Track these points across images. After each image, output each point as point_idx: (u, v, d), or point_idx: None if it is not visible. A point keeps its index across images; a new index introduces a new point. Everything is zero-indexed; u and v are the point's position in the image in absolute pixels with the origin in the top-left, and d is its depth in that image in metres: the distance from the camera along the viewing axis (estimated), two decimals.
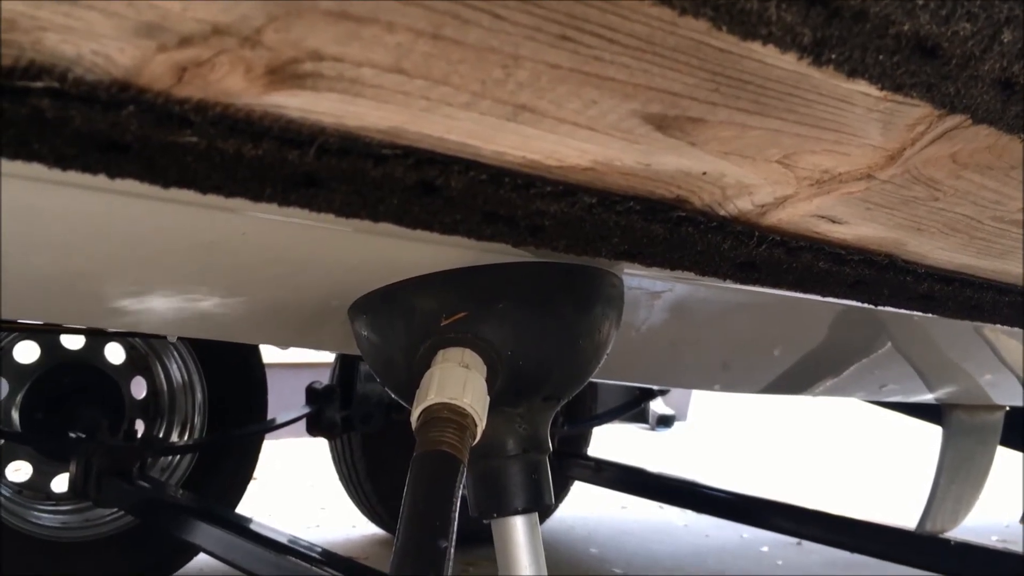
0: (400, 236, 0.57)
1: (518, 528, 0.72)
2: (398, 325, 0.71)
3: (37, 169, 0.43)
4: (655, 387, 3.43)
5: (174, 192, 0.46)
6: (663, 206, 0.56)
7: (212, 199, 0.47)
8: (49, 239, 0.62)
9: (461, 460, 0.60)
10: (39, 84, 0.38)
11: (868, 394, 2.12)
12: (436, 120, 0.44)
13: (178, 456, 2.57)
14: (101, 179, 0.44)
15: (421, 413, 0.63)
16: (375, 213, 0.50)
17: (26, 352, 2.42)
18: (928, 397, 2.15)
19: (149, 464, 2.45)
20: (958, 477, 2.30)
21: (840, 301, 0.72)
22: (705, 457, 6.12)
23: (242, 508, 2.66)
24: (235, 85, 0.40)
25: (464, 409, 0.62)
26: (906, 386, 1.97)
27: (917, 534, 2.27)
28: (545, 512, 3.04)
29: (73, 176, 0.44)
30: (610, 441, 5.82)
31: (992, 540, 3.67)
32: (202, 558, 2.59)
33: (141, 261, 0.67)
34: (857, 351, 1.55)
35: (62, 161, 0.42)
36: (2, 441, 2.39)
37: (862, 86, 0.44)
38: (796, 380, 1.68)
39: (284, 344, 1.06)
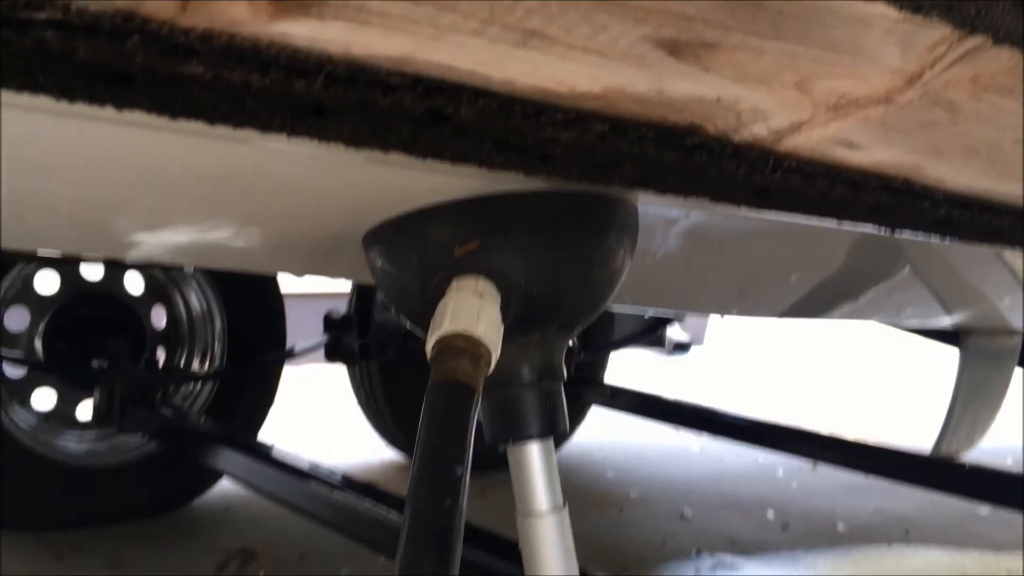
0: (413, 166, 0.56)
1: (533, 454, 0.73)
2: (411, 255, 0.71)
3: (44, 101, 0.43)
4: (671, 313, 3.43)
5: (183, 123, 0.46)
6: (676, 133, 0.55)
7: (222, 130, 0.46)
8: (61, 170, 0.62)
9: (475, 389, 0.60)
10: (42, 15, 0.37)
11: (886, 317, 2.12)
12: (444, 48, 0.44)
13: (199, 384, 2.61)
14: (109, 111, 0.44)
15: (435, 343, 0.63)
16: (385, 143, 0.49)
17: (46, 283, 2.44)
18: (946, 321, 2.14)
19: (171, 392, 2.49)
20: (974, 401, 2.31)
21: (857, 226, 0.71)
22: (721, 382, 6.16)
23: (263, 435, 2.71)
24: (241, 14, 0.40)
25: (478, 338, 0.62)
26: (924, 310, 1.96)
27: (931, 457, 2.29)
28: (560, 438, 3.08)
29: (81, 108, 0.44)
30: (627, 367, 5.86)
31: (1007, 463, 3.70)
32: (225, 483, 2.65)
33: (152, 193, 0.67)
34: (875, 275, 1.55)
35: (68, 93, 0.42)
36: (26, 370, 2.43)
37: (880, 7, 0.43)
38: (814, 304, 1.67)
39: (300, 273, 1.06)
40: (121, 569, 2.16)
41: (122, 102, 0.43)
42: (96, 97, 0.42)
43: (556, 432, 0.75)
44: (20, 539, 2.34)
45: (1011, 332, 2.27)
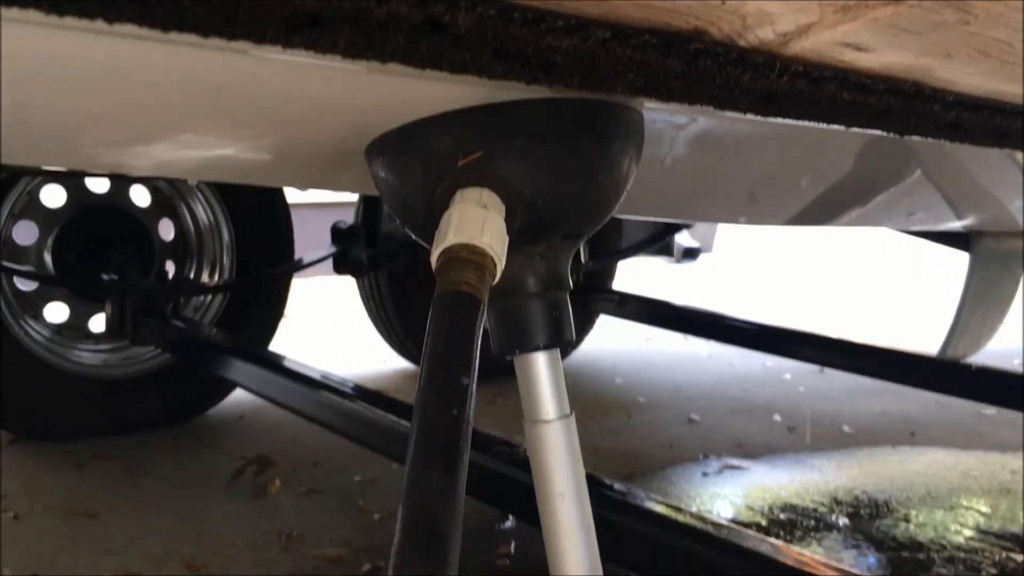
0: (414, 75, 0.55)
1: (540, 364, 0.74)
2: (415, 166, 0.71)
3: (38, 15, 0.42)
4: (679, 221, 3.42)
5: (178, 35, 0.45)
6: (680, 38, 0.54)
7: (217, 41, 0.46)
8: (61, 84, 0.61)
9: (481, 300, 0.60)
10: None
11: (896, 223, 2.11)
12: None
13: (210, 296, 2.63)
14: (101, 23, 0.43)
15: (440, 254, 0.63)
16: (382, 53, 0.48)
17: (53, 196, 2.44)
18: (956, 225, 2.13)
19: (182, 304, 2.51)
20: (982, 303, 2.31)
21: (866, 131, 0.70)
22: (730, 289, 6.17)
23: (274, 346, 2.73)
24: None
25: (483, 249, 0.62)
26: (934, 214, 1.95)
27: (938, 360, 2.30)
28: (567, 348, 3.10)
29: (74, 20, 0.43)
30: (635, 275, 5.87)
31: (1014, 364, 3.73)
32: (239, 393, 2.69)
33: (152, 106, 0.66)
34: (885, 180, 1.53)
35: (57, 7, 0.41)
36: (37, 284, 2.45)
37: None
38: (824, 210, 1.66)
39: (303, 186, 1.05)
40: (140, 477, 2.21)
41: (113, 15, 0.42)
42: (87, 10, 0.41)
43: (562, 342, 0.75)
44: (41, 449, 2.39)
45: (1021, 234, 2.25)
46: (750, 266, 7.61)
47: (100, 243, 2.49)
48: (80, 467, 2.27)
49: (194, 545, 1.81)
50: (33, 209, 2.41)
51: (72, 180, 2.44)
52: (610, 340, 3.96)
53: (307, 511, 2.01)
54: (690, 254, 7.64)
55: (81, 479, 2.19)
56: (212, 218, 2.63)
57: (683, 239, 7.58)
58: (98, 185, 2.50)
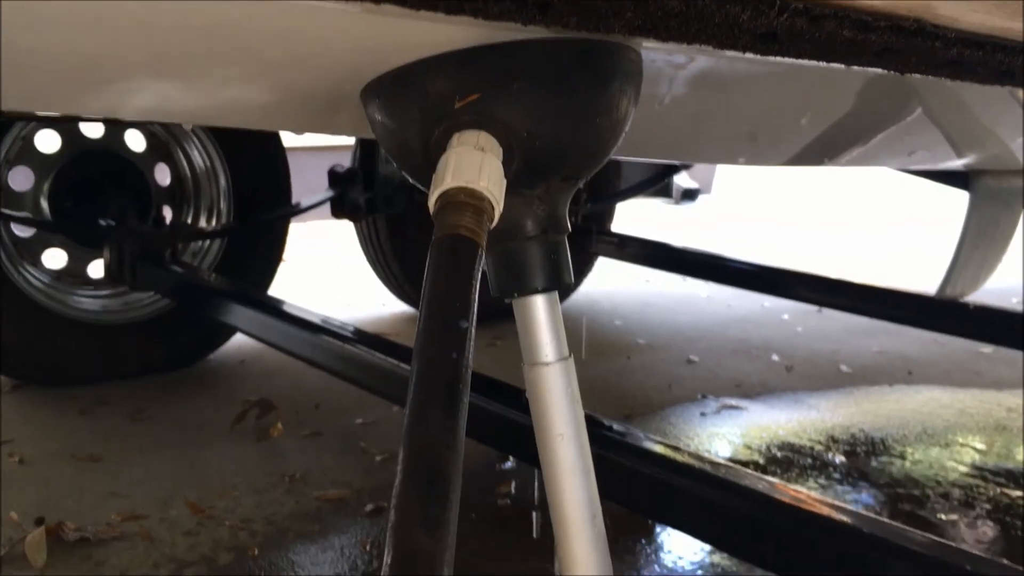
0: (409, 16, 0.54)
1: (538, 307, 0.74)
2: (411, 109, 0.70)
3: None
4: (678, 162, 3.40)
5: None
6: None
7: None
8: (54, 27, 0.60)
9: (479, 244, 0.60)
10: None
11: (896, 162, 2.09)
12: None
13: (207, 241, 2.62)
14: None
15: (438, 198, 0.62)
16: None
17: (47, 142, 2.43)
18: (956, 163, 2.11)
19: (180, 250, 2.51)
20: (981, 242, 2.31)
21: (866, 70, 0.69)
22: (729, 230, 6.16)
23: (273, 290, 2.74)
24: None
25: (481, 193, 0.61)
26: (934, 153, 1.93)
27: (936, 299, 2.31)
28: (565, 290, 3.10)
29: None
30: (634, 216, 5.86)
31: (1012, 302, 3.74)
32: (240, 338, 2.70)
33: (143, 46, 0.65)
34: (886, 118, 1.52)
35: None
36: (35, 230, 2.44)
37: None
38: (823, 149, 1.65)
39: (299, 130, 1.05)
40: (143, 421, 2.23)
41: None
42: None
43: (561, 285, 0.75)
44: (44, 395, 2.41)
45: (1021, 172, 2.24)
46: (750, 206, 7.59)
47: (96, 189, 2.48)
48: (83, 412, 2.29)
49: (199, 487, 1.84)
50: (28, 155, 2.40)
51: (66, 125, 2.43)
52: (609, 282, 3.97)
53: (309, 453, 2.03)
54: (689, 195, 7.62)
55: (85, 424, 2.21)
56: (208, 163, 2.61)
57: (682, 180, 7.55)
58: (92, 130, 2.48)
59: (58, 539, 1.60)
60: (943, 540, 0.81)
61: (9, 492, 1.79)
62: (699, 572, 1.55)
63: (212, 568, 1.53)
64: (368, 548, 1.60)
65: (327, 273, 4.24)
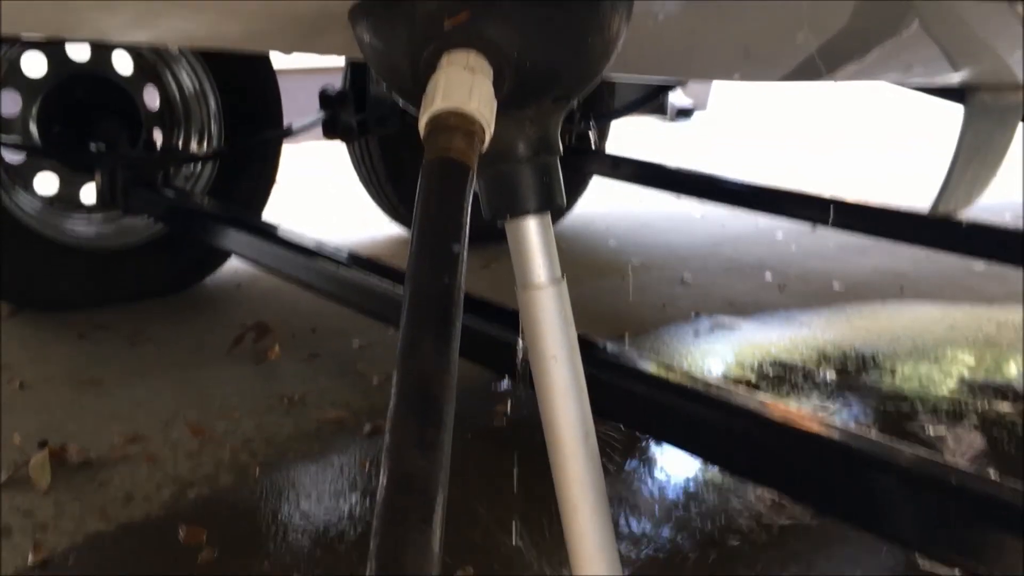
0: None
1: (531, 229, 0.74)
2: (399, 29, 0.69)
3: None
4: (672, 80, 3.36)
5: None
6: None
7: None
8: None
9: (470, 166, 0.60)
10: None
11: (893, 77, 2.07)
12: None
13: (199, 165, 2.61)
14: None
15: (428, 121, 0.62)
16: None
17: (34, 65, 2.39)
18: (953, 78, 2.09)
19: (172, 174, 2.50)
20: (976, 158, 2.30)
21: None
22: (724, 148, 6.12)
23: (267, 214, 2.73)
24: None
25: (471, 115, 0.61)
26: (932, 68, 1.91)
27: (929, 216, 2.31)
28: (557, 212, 3.10)
29: None
30: (628, 135, 5.81)
31: (1005, 217, 3.74)
32: (235, 262, 2.70)
33: None
34: (883, 32, 1.50)
35: None
36: (25, 155, 2.42)
37: None
38: (820, 65, 1.63)
39: (286, 50, 1.03)
40: (142, 345, 2.25)
41: None
42: None
43: (553, 206, 0.75)
44: (42, 320, 2.42)
45: (1018, 87, 2.22)
46: (745, 124, 7.53)
47: (85, 113, 2.45)
48: (82, 337, 2.30)
49: (199, 410, 1.86)
50: (14, 78, 2.36)
51: (52, 48, 2.39)
52: (604, 202, 3.96)
53: (307, 376, 2.05)
54: (684, 113, 7.55)
55: (83, 348, 2.23)
56: (197, 85, 2.58)
57: (677, 98, 7.48)
58: (79, 53, 2.44)
59: (61, 461, 1.62)
60: (929, 454, 0.82)
61: (10, 416, 1.82)
62: (691, 487, 1.58)
63: (214, 488, 1.55)
64: (367, 467, 1.63)
65: (321, 196, 4.22)
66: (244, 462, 1.64)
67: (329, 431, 1.78)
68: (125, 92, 2.52)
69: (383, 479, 0.42)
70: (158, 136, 2.60)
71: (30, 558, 1.33)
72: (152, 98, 2.58)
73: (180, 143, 2.62)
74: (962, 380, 2.09)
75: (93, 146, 2.41)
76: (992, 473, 0.79)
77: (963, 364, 2.19)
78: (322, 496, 1.53)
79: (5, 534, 1.40)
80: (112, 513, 1.47)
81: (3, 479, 1.56)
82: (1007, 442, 1.77)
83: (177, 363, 2.12)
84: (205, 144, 2.63)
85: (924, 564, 1.33)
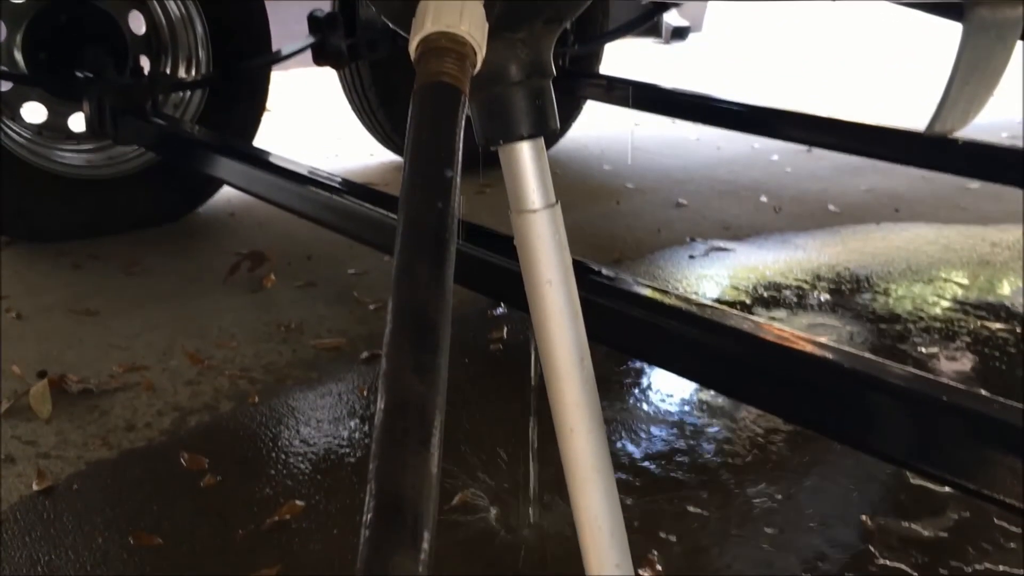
0: None
1: (524, 154, 0.73)
2: None
3: None
4: None
5: None
6: None
7: None
8: None
9: (462, 90, 0.59)
10: None
11: None
12: None
13: (188, 92, 2.57)
14: None
15: (419, 44, 0.61)
16: None
17: None
18: None
19: (161, 101, 2.46)
20: (973, 76, 2.27)
21: None
22: (720, 69, 6.05)
23: (259, 141, 2.71)
24: None
25: (463, 37, 0.60)
26: None
27: (925, 135, 2.29)
28: (551, 136, 3.07)
29: None
30: (623, 57, 5.73)
31: (1002, 136, 3.72)
32: (228, 191, 2.69)
33: None
34: None
35: None
36: (11, 84, 2.39)
37: None
38: None
39: None
40: (137, 275, 2.25)
41: None
42: None
43: (546, 130, 0.74)
44: (36, 251, 2.41)
45: (1018, 2, 2.19)
46: (742, 45, 7.43)
47: (71, 39, 2.41)
48: (77, 267, 2.30)
49: (196, 338, 1.87)
50: None
51: None
52: (597, 126, 3.92)
53: (303, 304, 2.06)
54: (679, 34, 7.44)
55: (79, 278, 2.23)
56: (183, 9, 2.53)
57: (672, 18, 7.35)
58: None
59: (61, 391, 1.63)
60: (921, 372, 0.83)
61: (9, 346, 1.82)
62: (686, 408, 1.60)
63: (214, 415, 1.57)
64: (365, 393, 1.65)
65: (312, 125, 4.18)
66: (243, 390, 1.66)
67: (327, 358, 1.79)
68: (110, 17, 2.47)
69: (380, 403, 0.42)
70: (145, 63, 2.56)
71: (34, 485, 1.35)
72: (138, 23, 2.53)
73: (168, 70, 2.58)
74: (955, 300, 2.10)
75: (80, 74, 2.38)
76: (984, 391, 0.80)
77: (957, 284, 2.21)
78: (321, 422, 1.55)
79: (9, 463, 1.42)
80: (114, 441, 1.49)
81: (4, 409, 1.57)
82: (998, 359, 1.79)
83: (173, 292, 2.13)
84: (193, 71, 2.59)
85: (916, 481, 1.36)
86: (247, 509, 1.30)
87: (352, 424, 1.54)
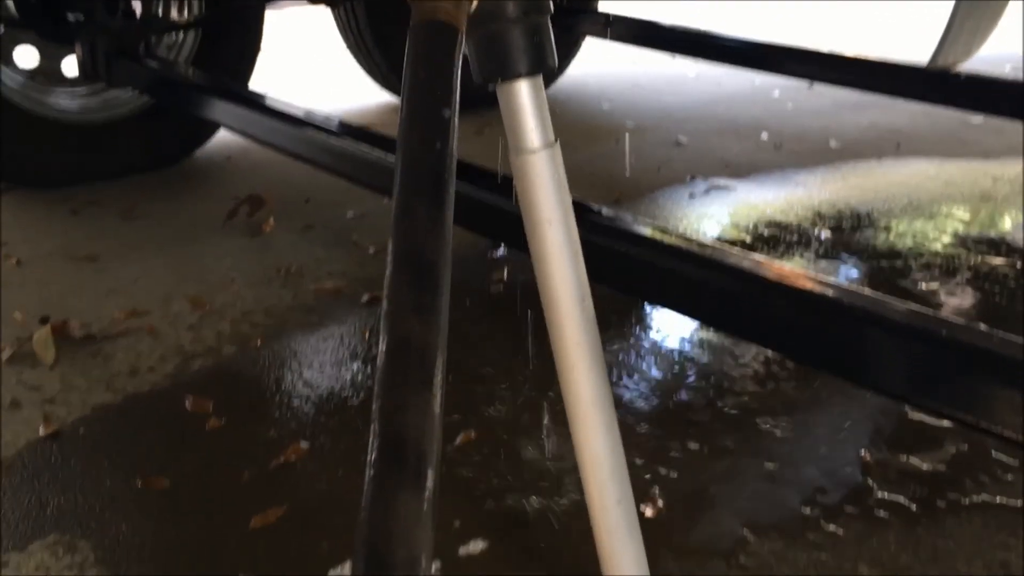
0: None
1: (522, 92, 0.72)
2: None
3: None
4: None
5: None
6: None
7: None
8: None
9: (459, 28, 0.58)
10: None
11: None
12: None
13: (182, 34, 2.54)
14: None
15: None
16: None
17: None
18: None
19: (153, 43, 2.43)
20: (976, 9, 2.24)
21: None
22: (720, 5, 5.96)
23: (254, 83, 2.68)
24: None
25: None
26: None
27: (927, 69, 2.26)
28: (549, 74, 3.04)
29: None
30: None
31: (1006, 69, 3.68)
32: (224, 134, 2.67)
33: None
34: None
35: None
36: (2, 28, 2.36)
37: None
38: None
39: None
40: (136, 220, 2.24)
41: None
42: None
43: (544, 68, 0.73)
44: (33, 197, 2.40)
45: None
46: None
47: None
48: (75, 213, 2.30)
49: (197, 283, 1.87)
50: None
51: None
52: (596, 63, 3.88)
53: (303, 247, 2.05)
54: None
55: (78, 224, 2.22)
56: None
57: None
58: None
59: (64, 337, 1.64)
60: (920, 307, 0.83)
61: (10, 293, 1.83)
62: (687, 346, 1.61)
63: (217, 359, 1.58)
64: (367, 336, 1.65)
65: (307, 65, 4.13)
66: (245, 333, 1.67)
67: (327, 301, 1.79)
68: None
69: (382, 344, 0.42)
70: (136, 5, 2.52)
71: (41, 430, 1.36)
72: None
73: (160, 11, 2.54)
74: (956, 235, 2.10)
75: (71, 16, 2.34)
76: (984, 325, 0.80)
77: (958, 219, 2.20)
78: (324, 364, 1.56)
79: (15, 408, 1.43)
80: (118, 385, 1.49)
81: (8, 355, 1.58)
82: (998, 294, 1.80)
83: (172, 237, 2.12)
84: (186, 12, 2.55)
85: (914, 416, 1.37)
86: (253, 451, 1.31)
87: (354, 366, 1.55)
